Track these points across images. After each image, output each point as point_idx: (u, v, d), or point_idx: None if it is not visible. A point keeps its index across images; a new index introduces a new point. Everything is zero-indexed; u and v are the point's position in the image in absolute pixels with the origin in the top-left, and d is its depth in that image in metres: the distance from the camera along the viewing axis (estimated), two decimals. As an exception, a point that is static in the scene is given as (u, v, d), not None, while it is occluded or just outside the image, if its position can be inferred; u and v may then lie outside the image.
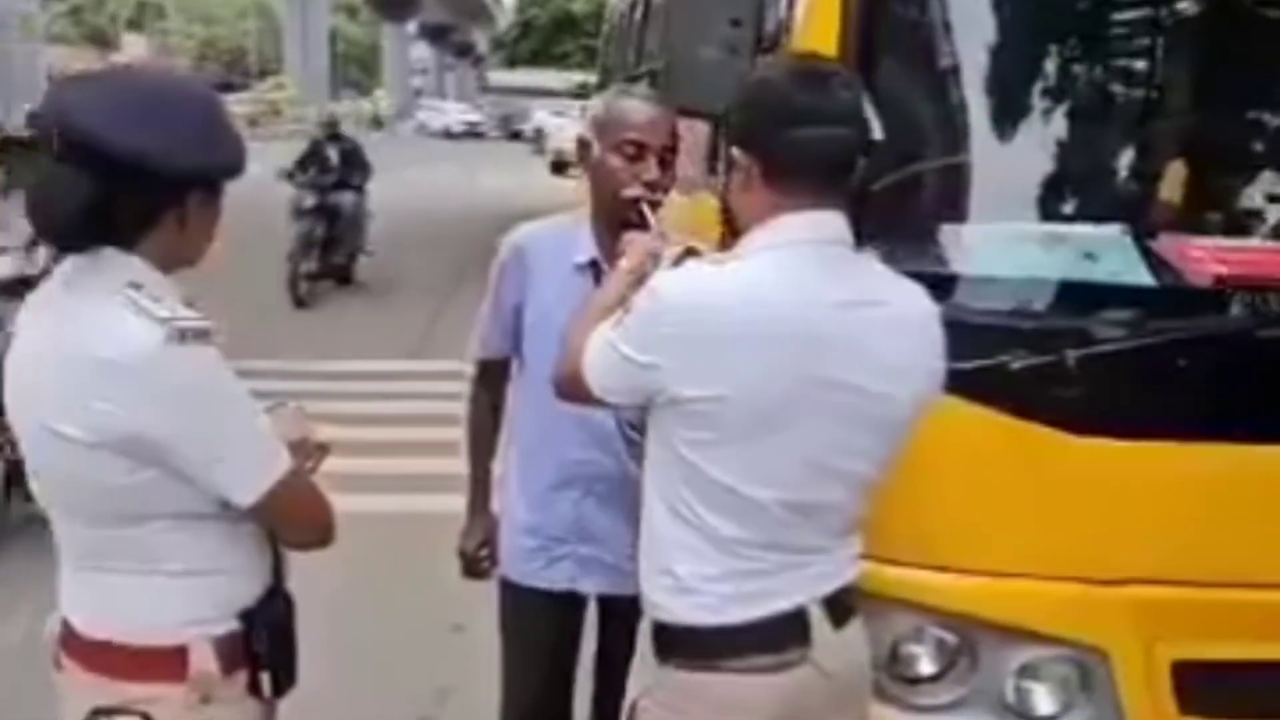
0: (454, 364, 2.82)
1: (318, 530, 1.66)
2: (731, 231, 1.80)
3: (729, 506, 1.60)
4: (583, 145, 2.24)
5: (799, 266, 1.59)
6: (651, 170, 2.14)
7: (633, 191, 2.13)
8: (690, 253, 1.85)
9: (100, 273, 1.50)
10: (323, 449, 1.73)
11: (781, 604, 1.64)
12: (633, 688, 1.81)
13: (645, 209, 2.10)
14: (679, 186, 2.30)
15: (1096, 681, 2.15)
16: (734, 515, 1.61)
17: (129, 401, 1.44)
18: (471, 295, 2.59)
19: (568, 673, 2.50)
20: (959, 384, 1.90)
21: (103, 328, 1.45)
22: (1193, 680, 2.14)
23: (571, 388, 1.78)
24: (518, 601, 2.42)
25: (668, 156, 2.17)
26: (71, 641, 1.61)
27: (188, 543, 1.56)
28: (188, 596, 1.57)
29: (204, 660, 1.57)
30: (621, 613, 2.35)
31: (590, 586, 2.36)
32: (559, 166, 19.81)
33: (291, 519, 1.62)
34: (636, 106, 2.18)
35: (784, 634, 1.64)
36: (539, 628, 2.41)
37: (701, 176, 3.36)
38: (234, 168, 1.57)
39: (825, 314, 1.57)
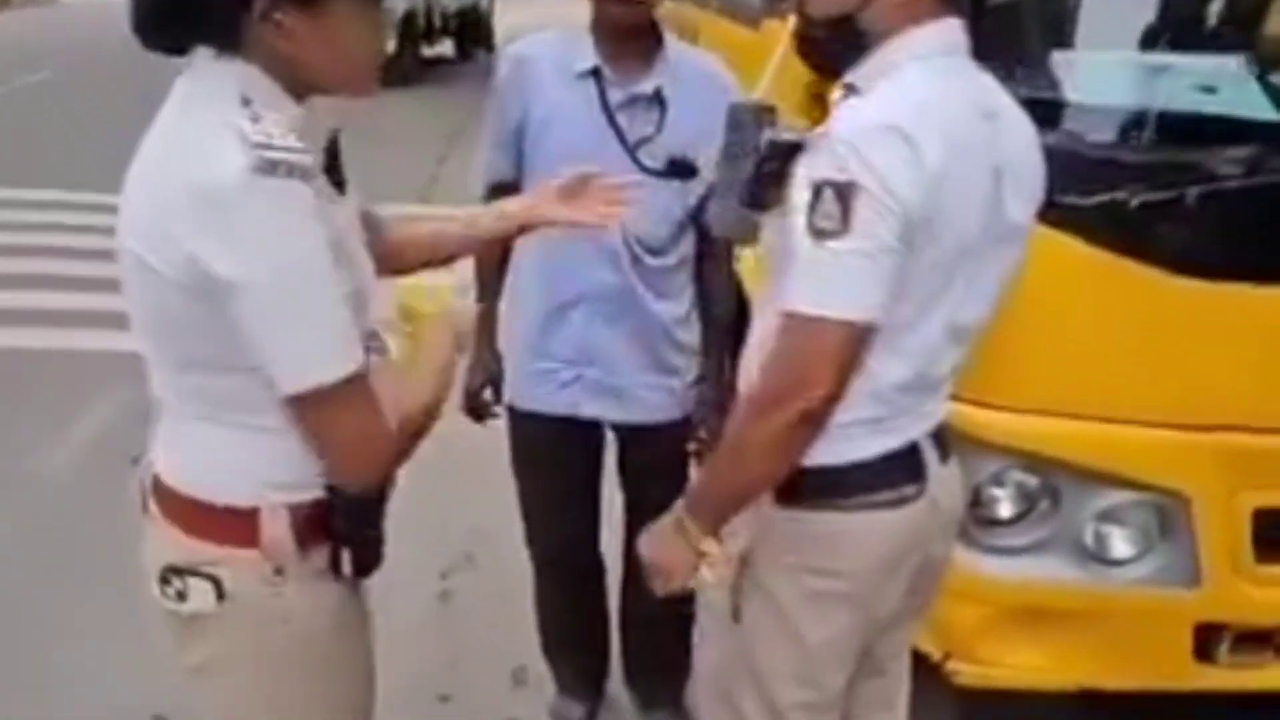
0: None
1: (356, 468, 1.43)
2: (813, 64, 1.69)
3: (899, 347, 1.49)
4: None
5: (946, 77, 1.47)
6: None
7: None
8: (768, 111, 1.63)
9: (208, 85, 1.35)
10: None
11: (900, 440, 1.58)
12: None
13: None
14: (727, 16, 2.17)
15: (1175, 527, 2.13)
16: (900, 355, 1.50)
17: (202, 233, 1.28)
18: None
19: (589, 505, 2.45)
20: (1058, 217, 1.82)
21: (199, 149, 1.30)
22: (1274, 528, 2.12)
23: (795, 390, 1.43)
24: (526, 430, 2.35)
25: None
26: (157, 488, 1.51)
27: (273, 399, 1.38)
28: (267, 456, 1.44)
29: (277, 527, 1.44)
30: (641, 441, 2.32)
31: (599, 411, 2.27)
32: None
33: (329, 438, 1.40)
34: None
35: (904, 469, 1.59)
36: (551, 456, 2.35)
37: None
38: None
39: (989, 127, 1.47)
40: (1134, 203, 1.94)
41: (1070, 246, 1.96)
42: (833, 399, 1.43)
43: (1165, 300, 2.00)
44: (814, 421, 1.45)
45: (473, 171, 2.31)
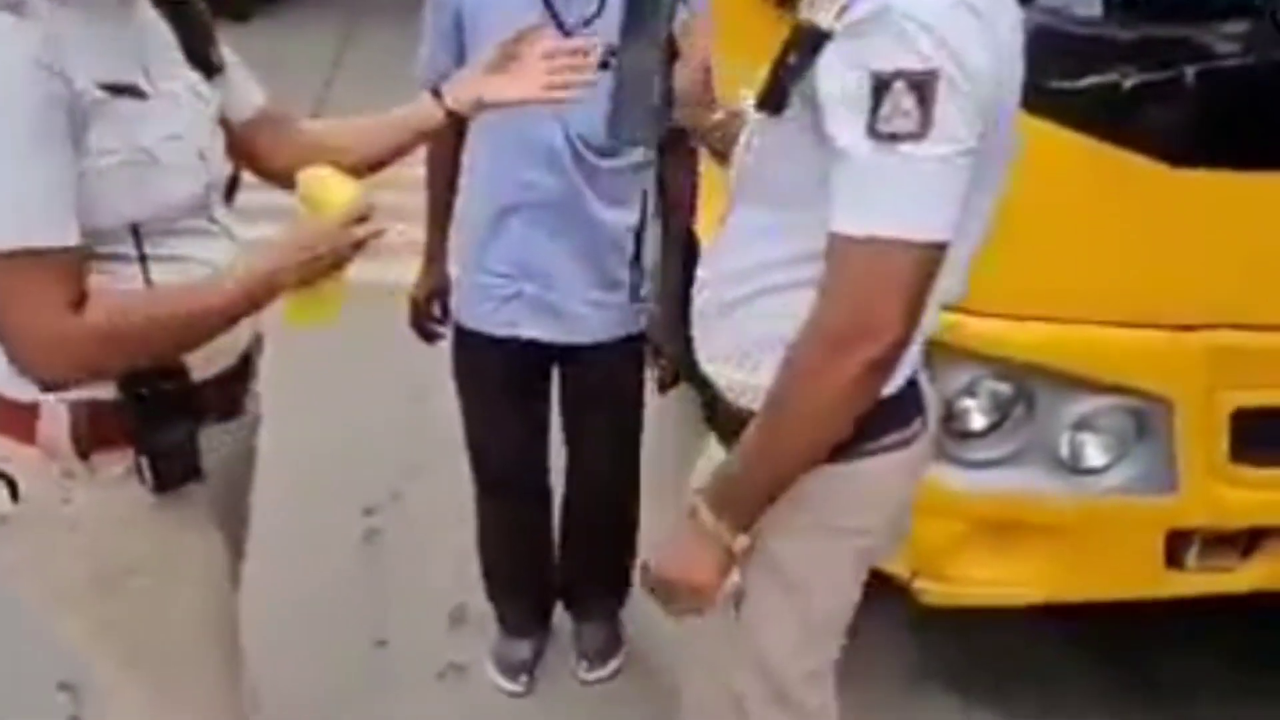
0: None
1: (23, 355, 1.24)
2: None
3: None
4: None
5: None
6: None
7: None
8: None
9: None
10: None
11: (910, 369, 1.40)
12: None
13: None
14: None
15: (1152, 432, 2.03)
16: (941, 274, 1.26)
17: None
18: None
19: (536, 428, 2.29)
20: (1037, 102, 1.67)
21: None
22: (1250, 429, 2.04)
23: (877, 321, 1.20)
24: (469, 349, 2.18)
25: None
26: None
27: None
28: None
29: (54, 425, 1.31)
30: (581, 362, 2.16)
31: (538, 331, 2.09)
32: None
33: None
34: None
35: (913, 402, 1.42)
36: (494, 377, 2.18)
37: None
38: None
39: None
40: (1114, 85, 1.80)
41: (1049, 133, 1.81)
42: (905, 342, 1.21)
43: (1148, 190, 1.86)
44: (883, 370, 1.22)
45: (415, 65, 2.07)
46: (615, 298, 2.10)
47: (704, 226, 2.17)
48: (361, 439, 3.26)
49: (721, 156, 1.55)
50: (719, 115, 1.53)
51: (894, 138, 1.14)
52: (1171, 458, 2.05)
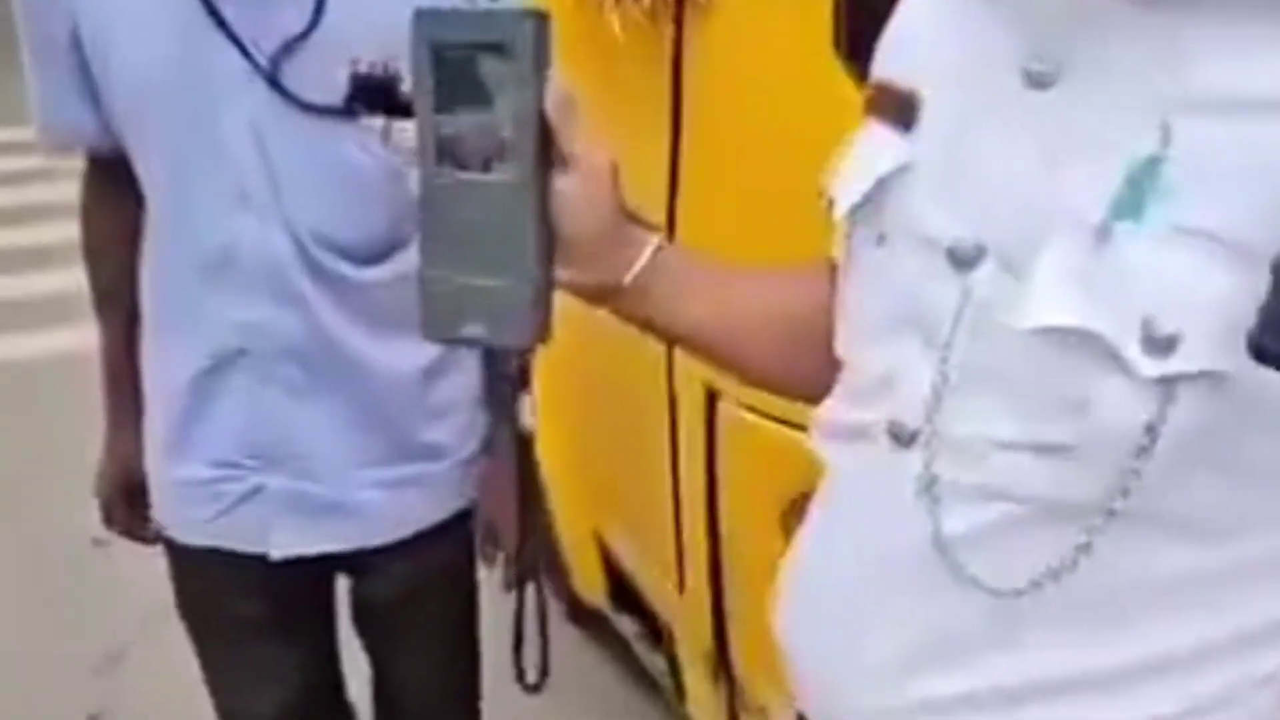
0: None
1: None
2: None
3: None
4: None
5: None
6: None
7: None
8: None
9: None
10: None
11: None
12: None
13: None
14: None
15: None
16: None
17: None
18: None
19: (314, 678, 1.52)
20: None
21: None
22: None
23: None
24: (190, 573, 1.45)
25: None
26: None
27: None
28: None
29: None
30: (377, 574, 1.45)
31: (298, 543, 1.37)
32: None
33: None
34: None
35: None
36: (238, 614, 1.44)
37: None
38: None
39: None
40: None
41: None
42: None
43: None
44: None
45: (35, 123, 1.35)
46: (417, 469, 1.40)
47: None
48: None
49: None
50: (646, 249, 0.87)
51: None
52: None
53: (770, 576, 1.35)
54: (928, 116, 0.74)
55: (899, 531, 0.75)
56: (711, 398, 1.60)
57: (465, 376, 1.43)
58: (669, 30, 1.57)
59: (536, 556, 1.48)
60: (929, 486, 0.73)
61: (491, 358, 1.43)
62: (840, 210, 0.79)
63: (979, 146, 0.71)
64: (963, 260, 0.71)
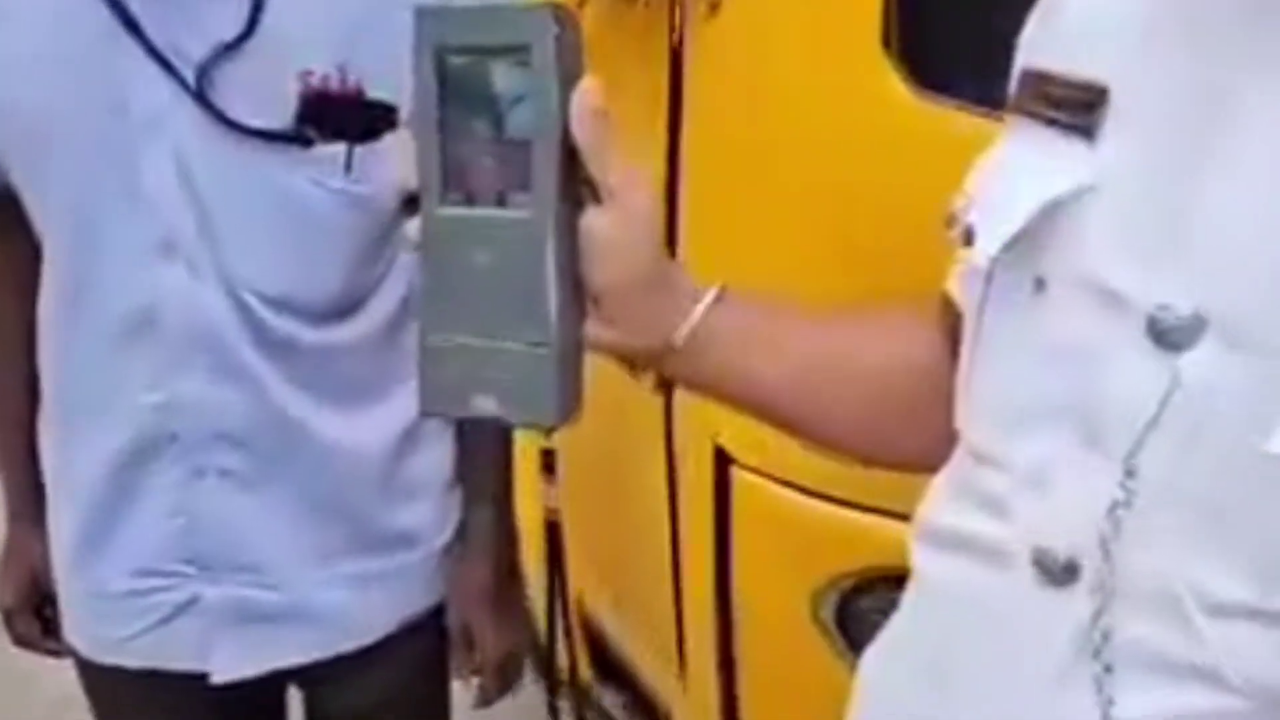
0: None
1: None
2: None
3: None
4: None
5: None
6: None
7: None
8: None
9: None
10: None
11: None
12: None
13: None
14: None
15: None
16: None
17: None
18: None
19: None
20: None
21: None
22: None
23: None
24: (109, 693, 1.24)
25: None
26: None
27: None
28: None
29: None
30: (340, 685, 1.24)
31: (241, 662, 1.18)
32: None
33: None
34: None
35: None
36: None
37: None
38: None
39: None
40: None
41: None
42: None
43: None
44: None
45: None
46: (385, 562, 1.19)
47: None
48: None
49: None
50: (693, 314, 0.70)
51: None
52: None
53: (796, 669, 1.16)
54: (1119, 122, 0.55)
55: (1044, 705, 0.56)
56: (722, 459, 1.40)
57: (441, 447, 1.22)
58: (665, 26, 1.39)
59: (518, 669, 1.28)
60: (1098, 650, 0.54)
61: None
62: (988, 246, 0.59)
63: (1202, 174, 0.51)
64: (1170, 335, 0.51)
